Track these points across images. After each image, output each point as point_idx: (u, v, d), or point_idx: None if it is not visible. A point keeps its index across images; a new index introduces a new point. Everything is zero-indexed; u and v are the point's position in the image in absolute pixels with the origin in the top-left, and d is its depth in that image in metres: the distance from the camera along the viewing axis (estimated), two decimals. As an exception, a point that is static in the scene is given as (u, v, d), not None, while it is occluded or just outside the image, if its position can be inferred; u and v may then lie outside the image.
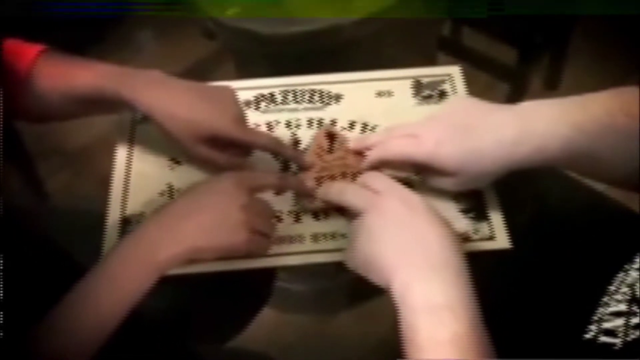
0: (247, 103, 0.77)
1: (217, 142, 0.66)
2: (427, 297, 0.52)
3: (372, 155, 0.67)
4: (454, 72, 0.80)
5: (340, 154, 0.70)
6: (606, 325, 0.56)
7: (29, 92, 0.66)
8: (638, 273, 0.56)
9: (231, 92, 0.68)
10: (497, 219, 0.67)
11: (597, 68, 1.50)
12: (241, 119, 0.68)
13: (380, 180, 0.61)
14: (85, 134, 1.23)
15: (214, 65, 1.58)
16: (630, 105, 0.59)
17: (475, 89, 0.77)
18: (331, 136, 0.71)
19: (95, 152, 1.28)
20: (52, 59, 0.67)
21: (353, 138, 0.71)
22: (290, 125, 0.75)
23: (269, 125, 0.75)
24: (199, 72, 1.57)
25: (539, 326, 0.65)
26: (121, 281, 0.56)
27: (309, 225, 0.67)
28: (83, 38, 1.56)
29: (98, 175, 1.16)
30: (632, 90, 0.60)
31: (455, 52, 1.56)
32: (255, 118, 0.76)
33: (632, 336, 0.54)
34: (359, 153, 0.69)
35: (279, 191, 0.68)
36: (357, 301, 1.26)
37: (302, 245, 0.66)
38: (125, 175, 0.71)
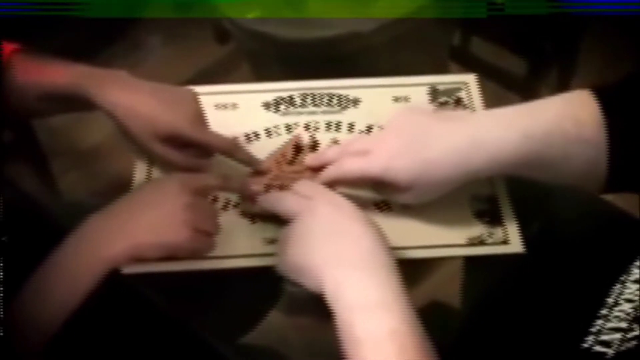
0: (267, 105, 0.79)
1: (176, 141, 0.67)
2: (361, 295, 0.52)
3: (326, 175, 0.67)
4: (470, 80, 0.82)
5: (298, 168, 0.70)
6: (604, 337, 0.57)
7: (4, 88, 0.67)
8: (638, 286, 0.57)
9: (192, 94, 0.70)
10: (511, 223, 0.68)
11: (608, 76, 1.51)
12: (200, 120, 0.69)
13: (312, 187, 0.63)
14: (99, 133, 1.24)
15: (226, 69, 1.60)
16: (578, 110, 0.60)
17: (486, 99, 0.78)
18: (298, 148, 0.72)
19: (107, 151, 1.28)
20: (25, 58, 0.69)
21: (311, 155, 0.71)
22: (309, 128, 0.77)
23: (288, 128, 0.77)
24: (211, 76, 1.58)
25: (542, 331, 0.66)
26: (67, 277, 0.58)
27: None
28: (93, 41, 1.58)
29: (110, 173, 1.17)
30: (582, 94, 0.61)
31: (465, 62, 1.57)
32: (275, 120, 0.77)
33: (626, 346, 0.55)
34: (318, 169, 0.69)
35: (223, 191, 0.69)
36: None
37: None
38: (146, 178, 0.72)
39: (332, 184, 0.66)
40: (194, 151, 0.70)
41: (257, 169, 0.71)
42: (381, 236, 0.57)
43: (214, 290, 0.75)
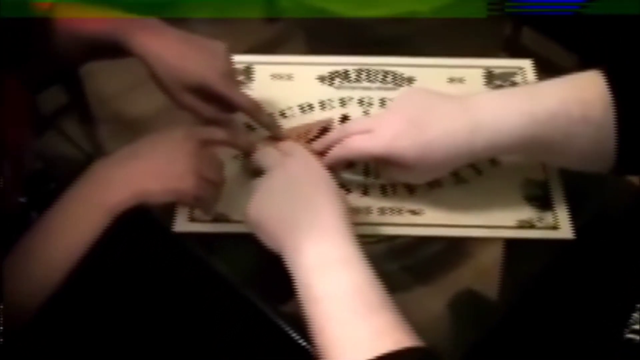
0: (322, 78, 0.80)
1: (204, 93, 0.67)
2: (319, 256, 0.52)
3: (332, 154, 0.66)
4: (526, 65, 0.82)
5: (310, 147, 0.69)
6: (635, 326, 0.57)
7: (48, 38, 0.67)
8: None
9: (223, 48, 0.69)
10: (562, 209, 0.68)
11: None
12: (228, 75, 0.68)
13: (294, 147, 0.64)
14: (148, 104, 1.26)
15: (277, 46, 1.60)
16: (584, 92, 0.59)
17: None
18: (324, 130, 0.72)
19: (154, 120, 1.30)
20: (66, 7, 0.69)
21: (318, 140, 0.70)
22: (362, 103, 0.77)
23: (342, 101, 0.77)
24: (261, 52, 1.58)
25: (581, 321, 0.66)
26: (72, 223, 0.58)
27: (377, 199, 0.69)
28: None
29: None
30: (587, 75, 0.60)
31: (514, 51, 1.56)
32: (329, 93, 0.78)
33: None
34: (323, 153, 0.68)
35: (228, 147, 0.69)
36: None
37: (369, 217, 0.67)
38: None
39: (337, 163, 0.66)
40: (220, 106, 0.69)
41: (275, 134, 0.71)
42: (344, 207, 0.57)
43: (262, 254, 0.76)
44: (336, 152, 0.66)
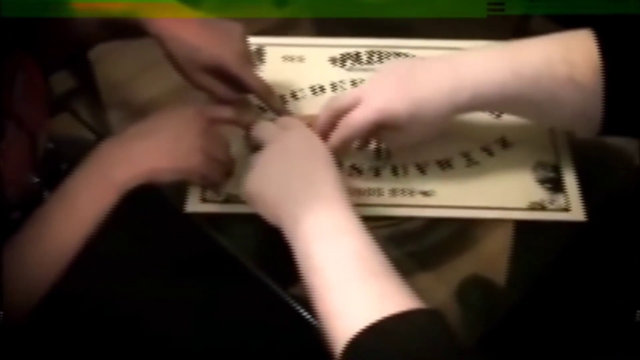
0: (333, 60, 0.80)
1: (219, 74, 0.67)
2: (318, 226, 0.53)
3: (335, 139, 0.65)
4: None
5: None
6: None
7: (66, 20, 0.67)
8: None
9: (240, 29, 0.69)
10: (573, 191, 0.68)
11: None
12: (244, 57, 0.68)
13: (292, 122, 0.64)
14: (155, 86, 1.26)
15: (287, 29, 1.59)
16: (571, 52, 0.59)
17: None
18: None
19: (162, 103, 1.30)
20: None
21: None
22: (374, 85, 0.77)
23: (354, 83, 0.77)
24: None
25: (592, 305, 0.66)
26: (80, 201, 0.58)
27: (388, 181, 0.69)
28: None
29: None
30: (576, 35, 0.60)
31: (523, 37, 1.55)
32: (341, 75, 0.78)
33: None
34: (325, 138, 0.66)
35: (236, 125, 0.69)
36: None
37: (380, 199, 0.68)
38: None
39: (343, 145, 0.65)
40: (234, 87, 0.69)
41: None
42: (341, 181, 0.57)
43: (273, 234, 0.76)
44: (338, 135, 0.65)
